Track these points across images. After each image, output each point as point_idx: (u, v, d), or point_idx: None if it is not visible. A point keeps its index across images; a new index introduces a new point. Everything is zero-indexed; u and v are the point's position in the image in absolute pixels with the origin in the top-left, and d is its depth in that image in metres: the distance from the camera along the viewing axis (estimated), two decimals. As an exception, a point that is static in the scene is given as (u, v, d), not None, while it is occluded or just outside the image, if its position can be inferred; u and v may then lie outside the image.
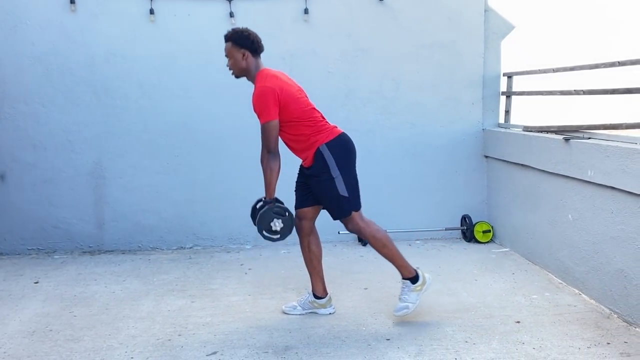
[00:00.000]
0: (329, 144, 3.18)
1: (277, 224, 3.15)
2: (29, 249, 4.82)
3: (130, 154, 4.81)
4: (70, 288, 3.96)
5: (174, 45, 4.72)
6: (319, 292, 3.44)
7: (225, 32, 3.24)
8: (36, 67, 4.63)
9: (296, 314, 3.42)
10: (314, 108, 3.27)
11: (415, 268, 3.35)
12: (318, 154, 3.18)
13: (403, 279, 3.32)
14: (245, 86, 4.75)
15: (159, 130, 4.80)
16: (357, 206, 3.29)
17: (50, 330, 3.23)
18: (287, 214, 3.18)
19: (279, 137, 3.18)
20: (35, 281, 4.11)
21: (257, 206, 3.32)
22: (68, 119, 4.71)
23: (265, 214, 3.15)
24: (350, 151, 3.28)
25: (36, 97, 4.66)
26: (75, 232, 4.84)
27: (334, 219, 3.32)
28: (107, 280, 4.12)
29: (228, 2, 4.69)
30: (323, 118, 3.27)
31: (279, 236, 3.19)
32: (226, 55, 3.23)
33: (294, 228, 3.33)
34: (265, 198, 3.20)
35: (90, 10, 4.60)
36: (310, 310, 3.43)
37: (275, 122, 3.09)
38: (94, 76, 4.69)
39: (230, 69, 3.25)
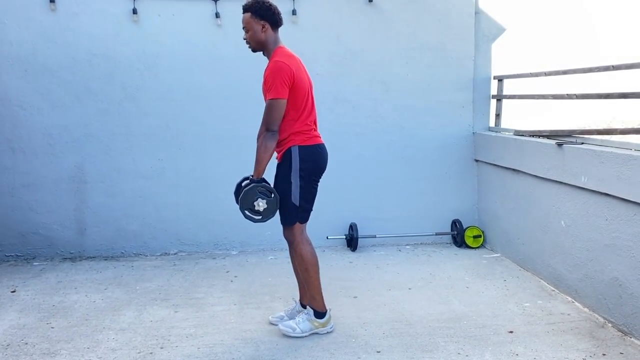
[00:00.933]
0: (301, 148, 3.05)
1: (260, 204, 3.00)
2: (7, 256, 4.66)
3: (113, 158, 4.67)
4: (49, 297, 3.81)
5: (158, 46, 4.59)
6: (306, 301, 3.32)
7: (243, 3, 3.07)
8: (15, 67, 4.47)
9: (276, 323, 3.30)
10: (313, 110, 3.15)
11: (327, 308, 3.23)
12: (287, 153, 3.05)
13: (310, 307, 3.20)
14: (232, 88, 4.69)
15: (142, 133, 4.67)
16: (303, 219, 3.15)
17: (26, 344, 3.09)
18: (272, 195, 3.03)
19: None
20: (12, 290, 3.96)
21: (243, 184, 3.16)
22: (48, 121, 4.56)
23: (249, 191, 3.00)
24: (319, 164, 3.13)
25: (14, 98, 4.50)
26: (55, 238, 4.69)
27: (281, 223, 3.18)
28: (87, 289, 3.98)
29: (214, 3, 4.57)
30: (313, 123, 3.15)
31: (260, 217, 3.04)
32: (244, 28, 3.05)
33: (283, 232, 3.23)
34: (252, 176, 3.05)
35: (70, 9, 4.46)
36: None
37: (283, 102, 2.94)
38: (75, 77, 4.54)
39: (247, 42, 3.07)
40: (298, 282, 3.35)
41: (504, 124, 4.94)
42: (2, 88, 4.48)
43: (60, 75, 4.53)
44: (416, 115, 4.92)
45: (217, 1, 4.57)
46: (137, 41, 4.56)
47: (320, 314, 3.20)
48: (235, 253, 4.82)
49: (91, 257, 4.71)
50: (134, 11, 4.49)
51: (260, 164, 2.99)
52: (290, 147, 3.04)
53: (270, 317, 3.37)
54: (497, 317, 3.40)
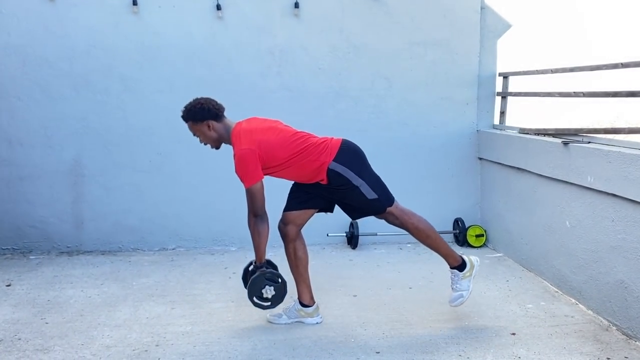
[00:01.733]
0: (336, 159, 3.02)
1: (268, 291, 3.05)
2: (3, 249, 4.60)
3: (111, 151, 4.60)
4: (44, 292, 3.76)
5: (158, 38, 4.52)
6: (306, 300, 3.27)
7: (180, 114, 3.11)
8: (12, 58, 4.41)
9: (281, 323, 3.25)
10: (299, 133, 3.09)
11: (460, 255, 3.30)
12: (332, 173, 3.01)
13: (451, 268, 3.26)
14: (233, 82, 4.61)
15: (141, 126, 4.60)
16: (389, 202, 3.21)
17: (19, 339, 3.04)
18: (279, 280, 3.07)
19: (286, 178, 3.12)
20: (7, 284, 3.91)
21: (250, 269, 3.20)
22: (46, 113, 4.50)
23: (257, 280, 3.04)
24: (359, 154, 3.15)
25: (12, 90, 4.44)
26: (52, 231, 4.63)
27: (375, 216, 3.25)
28: (83, 284, 3.92)
29: (215, -5, 4.50)
30: (312, 136, 3.11)
31: (269, 303, 3.08)
32: (194, 135, 3.11)
33: (279, 232, 3.20)
34: (255, 262, 3.10)
35: (69, 0, 4.39)
36: (296, 320, 3.26)
37: (259, 185, 2.95)
38: (73, 69, 4.48)
39: (205, 144, 3.13)
40: (295, 281, 3.30)
41: (509, 121, 4.86)
42: None
43: (59, 67, 4.47)
44: (419, 112, 4.84)
45: (218, -6, 4.50)
46: (137, 33, 4.49)
47: (460, 266, 3.27)
48: (234, 249, 4.76)
49: (88, 252, 4.66)
50: (134, 2, 4.42)
51: (258, 250, 3.06)
52: (327, 168, 3.01)
53: (268, 315, 3.31)
54: (499, 318, 3.33)
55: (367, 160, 3.18)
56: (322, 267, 4.23)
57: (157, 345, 2.97)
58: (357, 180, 3.06)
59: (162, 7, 4.48)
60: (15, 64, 4.42)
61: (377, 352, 2.90)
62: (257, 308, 3.12)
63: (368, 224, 4.82)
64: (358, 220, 4.76)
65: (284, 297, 3.11)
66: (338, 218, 4.80)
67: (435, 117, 4.87)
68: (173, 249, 4.74)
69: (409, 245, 4.89)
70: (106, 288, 3.85)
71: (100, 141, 4.57)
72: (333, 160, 3.01)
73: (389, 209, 3.18)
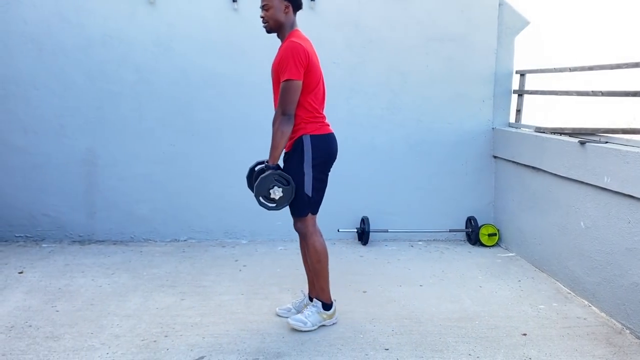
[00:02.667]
0: (313, 137, 2.95)
1: (276, 192, 2.89)
2: (16, 236, 4.64)
3: (125, 142, 4.61)
4: (56, 280, 3.78)
5: (174, 29, 4.52)
6: (315, 294, 3.25)
7: None
8: (28, 47, 4.43)
9: (285, 315, 3.24)
10: (324, 98, 3.05)
11: (333, 299, 3.18)
12: (299, 142, 2.95)
13: (316, 298, 3.13)
14: (247, 74, 4.60)
15: (155, 117, 4.61)
16: (314, 210, 3.06)
17: (30, 326, 3.06)
18: (289, 183, 2.92)
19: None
20: (19, 271, 3.94)
21: (256, 169, 3.07)
22: (61, 102, 4.52)
23: (266, 178, 2.88)
24: (331, 154, 3.04)
25: (28, 78, 4.46)
26: (65, 220, 4.66)
27: (291, 214, 3.07)
28: (95, 273, 3.94)
29: (231, -14, 4.48)
30: (323, 112, 3.06)
31: (275, 205, 2.94)
32: (263, 6, 2.90)
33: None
34: (267, 162, 2.94)
35: (86, -11, 4.40)
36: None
37: (299, 83, 2.82)
38: (89, 59, 4.49)
39: (264, 20, 2.92)
40: (307, 275, 3.27)
41: (525, 119, 4.80)
42: (15, 67, 4.44)
43: (74, 56, 4.48)
44: (434, 108, 4.80)
45: (235, -15, 4.48)
46: (153, 24, 4.49)
47: (327, 305, 3.14)
48: (245, 242, 4.76)
49: (100, 241, 4.68)
50: (150, -7, 4.42)
51: (276, 150, 2.89)
52: (301, 135, 2.94)
53: (277, 309, 3.30)
54: (511, 318, 3.29)
55: (331, 164, 3.07)
56: (332, 262, 4.15)
57: (165, 336, 2.98)
58: (308, 168, 2.95)
59: (178, -2, 4.48)
60: (31, 52, 4.44)
61: (386, 349, 2.88)
62: (262, 208, 2.98)
63: (379, 220, 4.82)
64: (369, 216, 4.76)
65: (290, 200, 2.94)
66: (349, 214, 4.82)
67: (450, 114, 4.82)
68: (184, 241, 4.75)
69: (420, 242, 4.85)
70: (117, 278, 3.86)
71: (114, 131, 4.59)
72: (310, 135, 2.94)
73: (308, 216, 3.03)
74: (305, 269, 3.27)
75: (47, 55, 4.45)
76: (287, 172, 2.99)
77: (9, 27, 4.39)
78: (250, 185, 3.11)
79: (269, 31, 2.98)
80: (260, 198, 2.93)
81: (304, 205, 3.00)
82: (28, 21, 4.39)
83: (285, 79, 2.82)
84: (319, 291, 3.15)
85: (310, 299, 3.23)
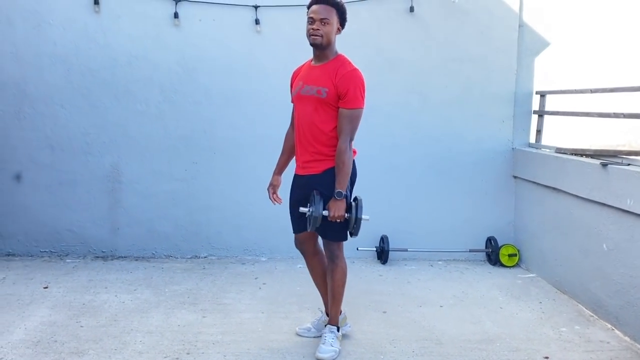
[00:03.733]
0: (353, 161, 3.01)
1: (306, 209, 2.90)
2: (41, 252, 4.73)
3: (149, 159, 4.70)
4: (80, 295, 3.85)
5: (197, 51, 4.62)
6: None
7: None
8: (57, 67, 4.56)
9: (310, 337, 3.25)
10: None
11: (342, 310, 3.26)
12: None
13: (331, 324, 3.14)
14: (268, 95, 4.67)
15: (178, 136, 4.70)
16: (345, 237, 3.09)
17: (55, 341, 3.11)
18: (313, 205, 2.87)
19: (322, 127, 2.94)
20: (45, 286, 4.01)
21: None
22: (87, 121, 4.63)
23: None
24: (356, 176, 3.10)
25: (56, 97, 4.58)
26: (88, 236, 4.75)
27: (328, 239, 3.04)
28: (117, 289, 4.00)
29: (254, 9, 4.58)
30: None
31: (309, 225, 2.92)
32: (323, 19, 2.85)
33: (296, 244, 3.22)
34: (340, 190, 2.88)
35: (114, 11, 4.52)
36: (321, 330, 3.23)
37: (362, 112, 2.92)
38: (115, 79, 4.60)
39: (320, 34, 2.85)
40: (321, 294, 3.30)
41: (545, 140, 4.80)
42: (45, 87, 4.57)
43: (101, 76, 4.59)
44: (454, 128, 4.82)
45: (258, 8, 4.57)
46: (177, 45, 4.60)
47: (338, 328, 3.17)
48: (264, 259, 4.79)
49: (122, 257, 4.75)
50: (175, 15, 4.53)
51: (346, 178, 2.90)
52: None
53: (297, 328, 3.32)
54: (532, 340, 3.27)
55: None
56: (351, 281, 4.17)
57: (188, 354, 3.01)
58: (347, 193, 2.94)
59: (203, 20, 4.58)
60: (60, 72, 4.56)
61: (406, 370, 2.89)
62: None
63: (399, 239, 4.83)
64: (389, 235, 4.77)
65: (315, 224, 2.88)
66: (369, 232, 4.83)
67: (470, 134, 4.84)
68: (205, 257, 4.80)
69: (439, 262, 4.85)
70: (139, 294, 3.92)
71: (138, 149, 4.68)
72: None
73: (342, 242, 3.06)
74: (318, 288, 3.29)
75: (75, 75, 4.57)
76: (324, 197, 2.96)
77: (40, 49, 4.52)
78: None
79: (318, 45, 2.90)
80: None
81: (343, 229, 3.01)
82: (57, 43, 4.53)
83: (355, 106, 2.88)
84: (335, 316, 3.16)
85: (327, 314, 3.24)
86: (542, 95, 4.78)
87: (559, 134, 4.85)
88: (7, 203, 4.67)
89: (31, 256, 4.70)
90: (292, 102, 3.10)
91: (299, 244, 3.21)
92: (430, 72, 4.77)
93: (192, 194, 4.75)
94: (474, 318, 3.61)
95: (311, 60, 3.07)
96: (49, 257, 4.71)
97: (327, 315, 3.24)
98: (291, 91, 3.13)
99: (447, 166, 4.85)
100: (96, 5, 4.48)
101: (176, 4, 4.53)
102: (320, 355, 2.98)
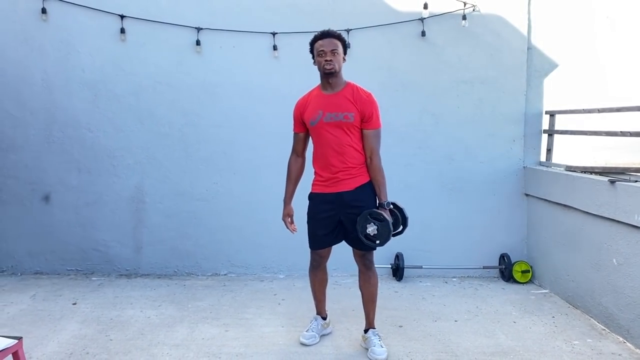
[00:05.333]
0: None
1: (370, 229, 3.10)
2: (68, 270, 4.92)
3: (171, 180, 4.89)
4: (107, 311, 4.01)
5: (218, 76, 4.83)
6: (325, 314, 3.62)
7: (327, 31, 3.22)
8: (85, 93, 4.79)
9: (316, 343, 3.48)
10: None
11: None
12: (369, 184, 3.24)
13: (371, 328, 3.45)
14: (285, 117, 4.81)
15: (200, 157, 4.89)
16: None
17: (87, 354, 3.27)
18: (382, 218, 3.10)
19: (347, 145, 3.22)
20: (73, 302, 4.18)
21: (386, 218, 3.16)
22: (113, 144, 4.84)
23: (362, 217, 3.13)
24: None
25: (83, 122, 4.81)
26: (113, 254, 4.93)
27: (365, 249, 3.31)
28: (142, 305, 4.16)
29: (272, 36, 4.79)
30: None
31: (378, 242, 3.14)
32: (333, 50, 3.15)
33: (316, 260, 3.43)
34: (382, 201, 3.22)
35: (138, 39, 4.76)
36: (322, 333, 3.56)
37: None
38: (139, 103, 4.82)
39: (332, 64, 3.14)
40: (319, 301, 3.58)
41: (556, 159, 4.92)
42: (73, 111, 4.79)
43: (126, 101, 4.81)
44: (466, 148, 4.96)
45: (275, 35, 4.78)
46: (199, 70, 4.81)
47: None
48: (282, 277, 4.93)
49: (146, 275, 4.92)
50: (197, 42, 4.75)
51: (385, 187, 3.24)
52: (370, 180, 3.27)
53: (302, 338, 3.48)
54: (545, 353, 3.36)
55: None
56: (368, 297, 4.33)
57: (213, 365, 3.15)
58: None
59: (223, 47, 4.80)
60: (87, 98, 4.79)
61: (423, 381, 2.99)
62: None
63: (413, 256, 4.95)
64: (403, 253, 4.89)
65: (388, 236, 3.12)
66: (384, 250, 4.94)
67: (481, 153, 4.97)
68: (225, 275, 4.95)
69: (454, 279, 4.95)
70: (163, 309, 4.07)
71: (162, 170, 4.87)
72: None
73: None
74: (318, 296, 3.57)
75: (102, 100, 4.80)
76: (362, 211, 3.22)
77: (68, 75, 4.76)
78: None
79: (330, 73, 3.17)
80: (363, 237, 3.14)
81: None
82: (85, 69, 4.76)
83: (379, 126, 3.26)
84: (373, 318, 3.48)
85: (323, 318, 3.60)
86: (552, 114, 4.92)
87: (568, 152, 4.96)
88: (37, 223, 4.87)
89: (58, 274, 4.89)
90: (311, 130, 3.33)
91: (318, 259, 3.41)
92: (442, 93, 4.93)
93: (212, 214, 4.93)
94: (488, 332, 3.71)
95: (319, 91, 3.32)
96: (75, 275, 4.89)
97: (322, 318, 3.57)
98: (304, 120, 3.34)
99: (460, 185, 4.98)
100: (122, 34, 4.72)
101: (198, 32, 4.76)
102: (381, 357, 3.25)
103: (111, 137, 4.84)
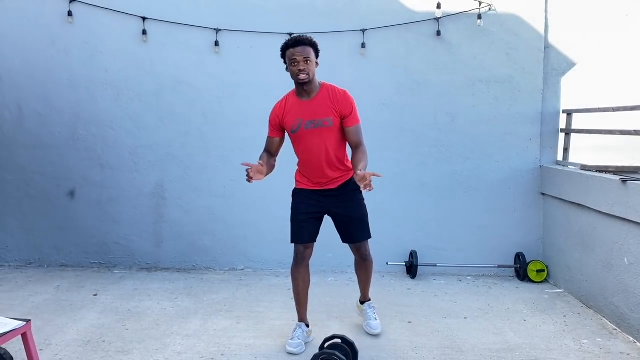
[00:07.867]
0: None
1: None
2: (91, 263, 5.10)
3: (190, 177, 5.03)
4: (126, 302, 4.16)
5: (236, 76, 4.94)
6: (307, 321, 3.55)
7: (298, 37, 3.21)
8: (108, 92, 4.96)
9: (303, 352, 3.33)
10: None
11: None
12: (353, 178, 3.30)
13: (367, 300, 3.70)
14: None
15: (218, 155, 5.01)
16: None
17: (104, 342, 3.41)
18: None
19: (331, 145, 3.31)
20: (94, 294, 4.35)
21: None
22: (134, 141, 5.00)
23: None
24: None
25: (107, 120, 4.98)
26: (134, 248, 5.09)
27: (359, 239, 3.43)
28: (160, 297, 4.29)
29: (289, 36, 4.87)
30: None
31: None
32: (306, 58, 3.15)
33: (300, 253, 3.44)
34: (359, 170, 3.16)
35: (160, 40, 4.91)
36: (306, 341, 3.45)
37: None
38: (160, 102, 4.97)
39: (305, 73, 3.15)
40: (302, 304, 3.51)
41: (573, 158, 4.88)
42: (97, 110, 4.97)
43: (148, 100, 4.97)
44: (482, 147, 4.97)
45: (292, 35, 4.86)
46: (218, 71, 4.94)
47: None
48: (298, 273, 5.01)
49: (165, 268, 5.07)
50: (216, 43, 4.88)
51: (365, 163, 3.22)
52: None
53: (288, 347, 3.32)
54: (552, 351, 3.37)
55: None
56: (380, 294, 4.39)
57: (222, 355, 3.25)
58: (362, 196, 3.42)
59: (241, 47, 4.91)
60: (110, 97, 4.96)
61: (426, 375, 3.04)
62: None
63: (428, 254, 4.98)
64: (418, 251, 4.93)
65: None
66: (398, 248, 5.00)
67: (497, 152, 4.97)
68: (241, 270, 5.07)
69: (468, 277, 4.96)
70: (180, 302, 4.20)
71: (181, 167, 5.02)
72: None
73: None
74: (302, 298, 3.49)
75: (124, 99, 4.96)
76: (358, 203, 3.39)
77: (92, 75, 4.94)
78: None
79: (304, 82, 3.19)
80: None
81: (369, 227, 3.43)
82: (109, 70, 4.93)
83: (359, 121, 3.32)
84: (367, 292, 3.70)
85: (306, 325, 3.50)
86: (569, 113, 4.89)
87: (586, 151, 4.92)
88: (62, 218, 5.07)
89: (82, 267, 5.07)
90: (292, 137, 3.41)
91: (302, 252, 3.43)
92: (458, 92, 4.94)
93: (230, 210, 5.05)
94: (497, 329, 3.72)
95: (295, 97, 3.34)
96: (97, 267, 5.07)
97: (306, 324, 3.50)
98: (285, 127, 3.41)
99: (476, 184, 4.98)
100: (144, 35, 4.87)
101: (217, 33, 4.88)
102: (376, 330, 3.52)
103: (133, 135, 5.00)
